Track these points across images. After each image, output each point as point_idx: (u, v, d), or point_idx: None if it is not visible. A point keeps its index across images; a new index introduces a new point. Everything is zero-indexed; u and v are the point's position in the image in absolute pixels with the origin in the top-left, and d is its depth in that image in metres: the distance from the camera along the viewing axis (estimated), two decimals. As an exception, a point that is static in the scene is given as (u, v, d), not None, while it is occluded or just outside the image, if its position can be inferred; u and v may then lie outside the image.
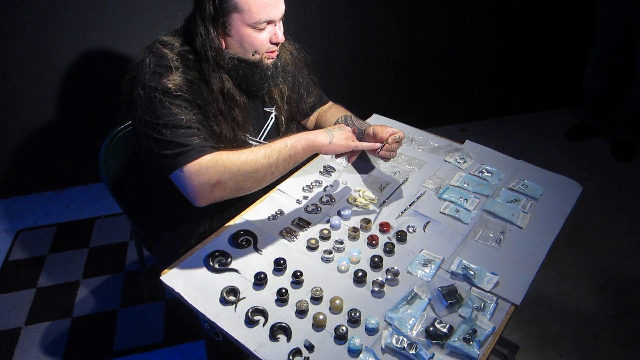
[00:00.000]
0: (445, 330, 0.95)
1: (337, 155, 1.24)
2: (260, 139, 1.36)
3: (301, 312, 1.00)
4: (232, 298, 1.03)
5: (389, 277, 1.06)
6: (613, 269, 2.02)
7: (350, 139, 1.19)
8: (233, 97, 1.23)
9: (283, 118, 1.41)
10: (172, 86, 1.12)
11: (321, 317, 0.97)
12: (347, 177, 1.39)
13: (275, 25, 1.21)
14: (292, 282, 1.07)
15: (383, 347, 0.94)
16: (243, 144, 1.27)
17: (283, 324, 0.97)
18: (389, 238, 1.19)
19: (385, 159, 1.27)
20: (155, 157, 1.11)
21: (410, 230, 1.20)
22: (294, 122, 1.50)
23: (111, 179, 1.51)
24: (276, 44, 1.23)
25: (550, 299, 1.90)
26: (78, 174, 2.52)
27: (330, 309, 1.01)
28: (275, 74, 1.28)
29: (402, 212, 1.26)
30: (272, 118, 1.39)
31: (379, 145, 1.23)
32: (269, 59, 1.25)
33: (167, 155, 1.09)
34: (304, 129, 1.55)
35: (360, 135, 1.34)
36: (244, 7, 1.14)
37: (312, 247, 1.16)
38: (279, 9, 1.19)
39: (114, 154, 1.50)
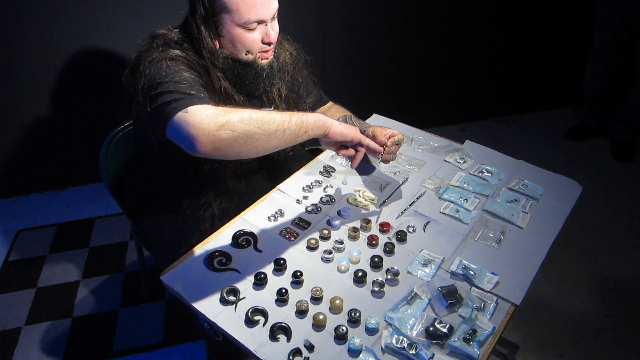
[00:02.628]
0: (445, 330, 0.95)
1: (339, 149, 1.19)
2: None
3: (301, 312, 1.00)
4: (232, 298, 1.03)
5: (389, 277, 1.06)
6: (613, 269, 2.02)
7: (358, 131, 1.17)
8: (231, 96, 1.23)
9: None
10: (180, 54, 1.13)
11: (321, 317, 0.97)
12: (347, 177, 1.39)
13: (266, 24, 1.20)
14: (292, 282, 1.07)
15: (383, 347, 0.94)
16: None
17: (283, 324, 0.97)
18: (389, 238, 1.19)
19: (385, 161, 1.27)
20: (153, 113, 1.02)
21: (410, 230, 1.20)
22: None
23: (111, 179, 1.51)
24: (269, 44, 1.23)
25: (550, 299, 1.90)
26: (78, 174, 2.52)
27: (330, 309, 1.01)
28: (270, 75, 1.27)
29: (402, 212, 1.26)
30: None
31: (381, 149, 1.22)
32: (263, 59, 1.24)
33: (167, 101, 0.99)
34: None
35: None
36: (232, 8, 1.13)
37: (312, 247, 1.16)
38: (269, 9, 1.17)
39: (114, 154, 1.50)
